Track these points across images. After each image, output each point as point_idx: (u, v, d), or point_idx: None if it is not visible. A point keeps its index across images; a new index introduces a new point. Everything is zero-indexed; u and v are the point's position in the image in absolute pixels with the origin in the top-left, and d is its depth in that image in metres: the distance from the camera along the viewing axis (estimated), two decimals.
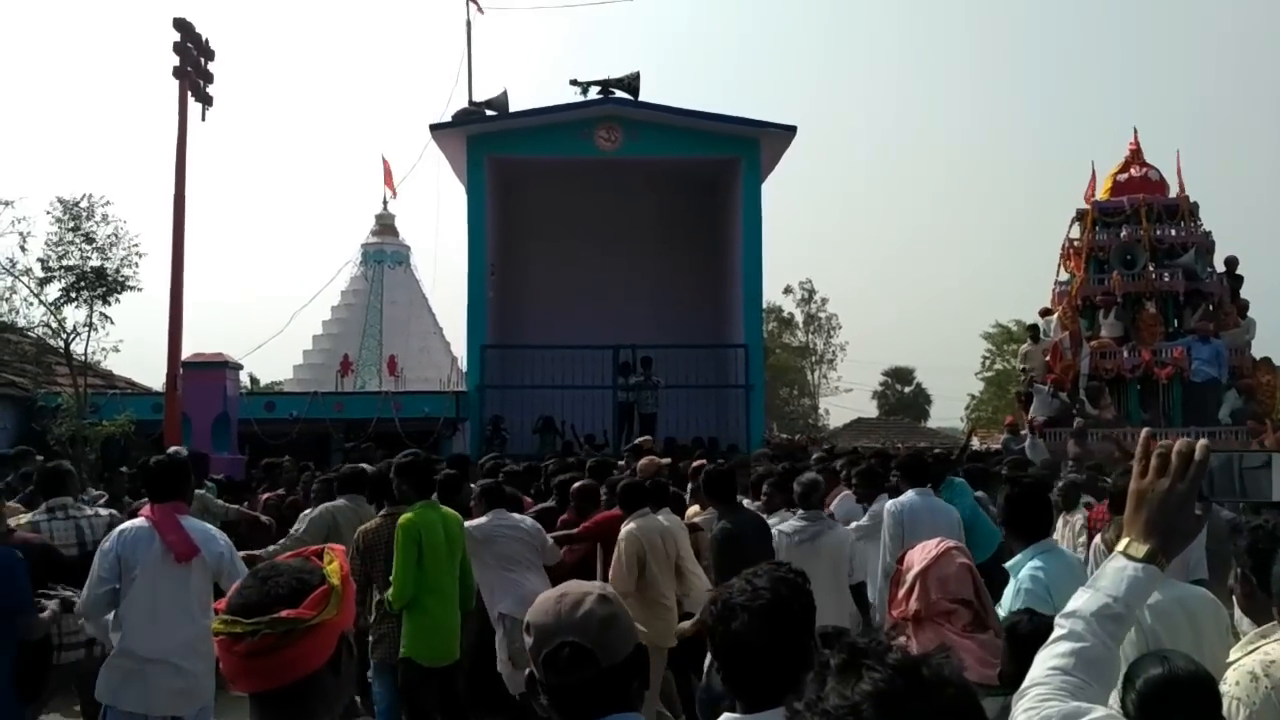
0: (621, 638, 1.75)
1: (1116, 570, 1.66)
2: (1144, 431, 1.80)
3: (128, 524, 4.68)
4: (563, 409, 15.83)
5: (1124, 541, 1.69)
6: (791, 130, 17.01)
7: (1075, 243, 16.94)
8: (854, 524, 6.98)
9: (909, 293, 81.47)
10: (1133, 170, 17.31)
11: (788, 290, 52.41)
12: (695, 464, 9.03)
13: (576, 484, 7.37)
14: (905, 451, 11.24)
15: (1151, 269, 16.13)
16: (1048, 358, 16.08)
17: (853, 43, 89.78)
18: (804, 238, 76.28)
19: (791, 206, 67.02)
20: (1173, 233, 16.47)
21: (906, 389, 57.90)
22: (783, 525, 6.18)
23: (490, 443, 15.39)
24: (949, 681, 1.12)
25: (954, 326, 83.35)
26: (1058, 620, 1.67)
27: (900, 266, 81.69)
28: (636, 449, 10.51)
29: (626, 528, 6.12)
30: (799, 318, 53.57)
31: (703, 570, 6.56)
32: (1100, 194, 17.19)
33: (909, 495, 6.69)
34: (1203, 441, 1.70)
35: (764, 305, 20.96)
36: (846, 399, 53.91)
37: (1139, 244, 16.12)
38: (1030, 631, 3.11)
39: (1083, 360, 15.64)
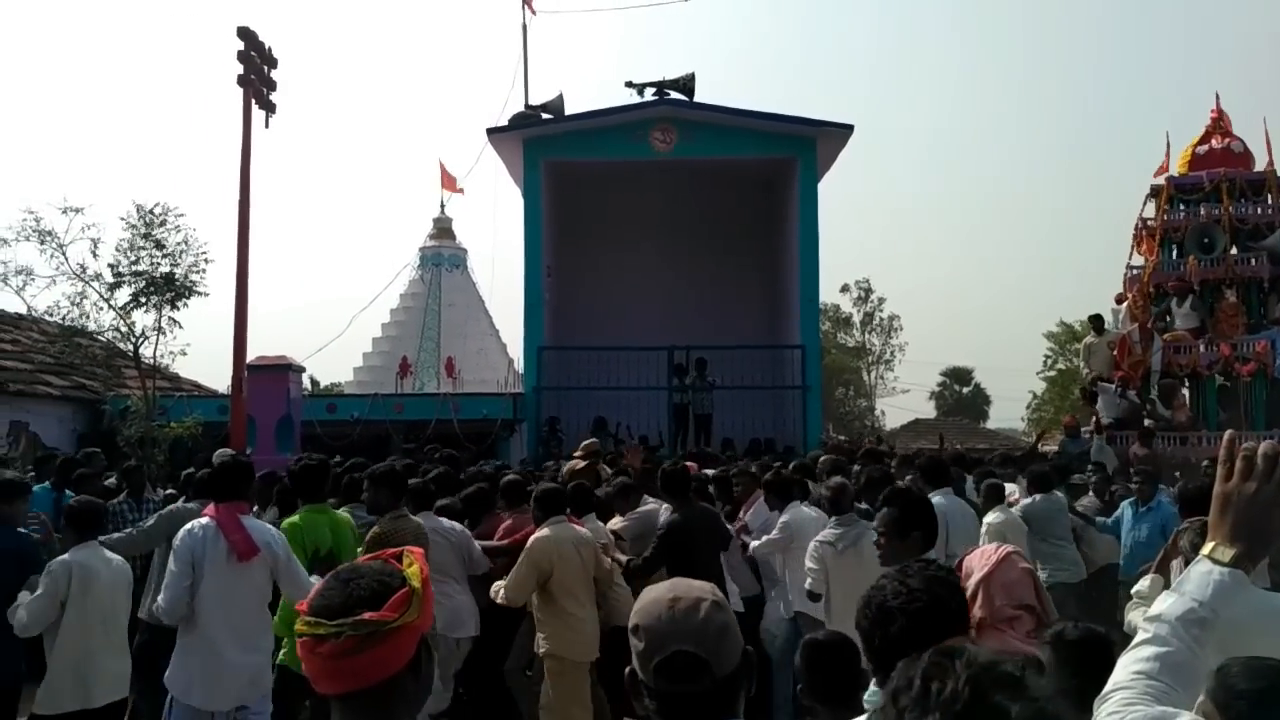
0: (734, 646, 1.70)
1: (1202, 574, 1.64)
2: (1227, 434, 1.77)
3: (195, 523, 4.80)
4: (619, 410, 15.85)
5: (1209, 545, 1.66)
6: (848, 129, 16.85)
7: (1149, 222, 15.33)
8: (765, 537, 6.71)
9: (968, 292, 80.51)
10: (1213, 142, 15.61)
11: (844, 289, 51.98)
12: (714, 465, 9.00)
13: (505, 478, 7.18)
14: (927, 456, 10.98)
15: (1234, 252, 14.62)
16: (1114, 352, 14.72)
17: (910, 38, 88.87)
18: (861, 237, 75.67)
19: (848, 205, 66.57)
20: (1257, 211, 14.81)
21: (965, 389, 57.25)
22: (822, 536, 6.08)
23: (547, 444, 15.49)
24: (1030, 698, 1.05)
25: (1014, 326, 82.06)
26: (1141, 624, 1.66)
27: (959, 265, 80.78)
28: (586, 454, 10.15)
29: (534, 535, 5.94)
30: (856, 317, 53.10)
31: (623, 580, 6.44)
32: (1177, 169, 15.57)
33: (931, 498, 6.65)
34: None
35: (820, 304, 20.78)
36: (903, 400, 53.51)
37: (1218, 224, 14.56)
38: (1077, 639, 3.06)
39: (1154, 355, 14.24)
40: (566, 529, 6.04)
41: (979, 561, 4.17)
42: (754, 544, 6.82)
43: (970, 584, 4.12)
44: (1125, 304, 15.23)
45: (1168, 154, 15.72)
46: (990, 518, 7.21)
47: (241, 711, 4.68)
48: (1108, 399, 14.30)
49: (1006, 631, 3.93)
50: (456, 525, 6.55)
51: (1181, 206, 15.15)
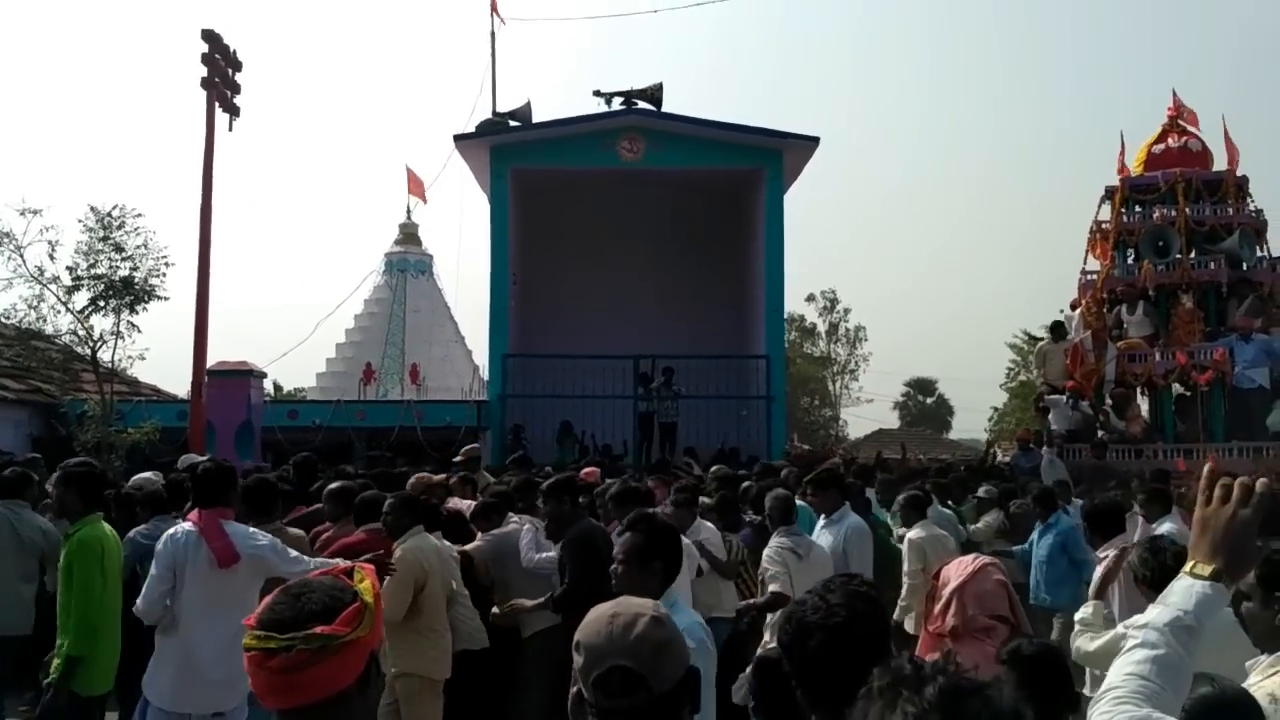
0: (674, 662, 1.71)
1: (1185, 588, 1.73)
2: (1206, 466, 1.92)
3: (178, 528, 4.76)
4: (584, 419, 15.85)
5: (1189, 564, 1.77)
6: (814, 141, 16.99)
7: (1104, 225, 14.62)
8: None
9: (932, 303, 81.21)
10: (1170, 140, 14.73)
11: (810, 298, 52.29)
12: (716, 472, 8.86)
13: (362, 495, 6.46)
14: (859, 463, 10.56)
15: (1193, 256, 13.76)
16: (1068, 361, 13.97)
17: (876, 53, 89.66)
18: (827, 248, 76.15)
19: (815, 217, 67.26)
20: (1215, 212, 13.96)
21: (929, 400, 57.76)
22: (781, 542, 5.94)
23: (511, 452, 15.43)
24: (999, 715, 1.09)
25: (978, 337, 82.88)
26: (1129, 632, 1.74)
27: (924, 277, 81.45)
28: (468, 459, 9.76)
29: (401, 549, 5.54)
30: (821, 327, 53.44)
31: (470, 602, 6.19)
32: (1134, 168, 14.78)
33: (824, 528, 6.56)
34: (1263, 479, 1.79)
35: (785, 315, 20.92)
36: (867, 410, 53.84)
37: (1173, 226, 13.68)
38: (1033, 654, 3.10)
39: (1108, 364, 13.55)
40: (428, 539, 5.75)
41: (956, 571, 4.24)
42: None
43: (945, 592, 4.18)
44: (1079, 310, 14.49)
45: (1123, 153, 15.05)
46: (912, 534, 6.96)
47: (218, 718, 4.64)
48: (1059, 410, 13.74)
49: (984, 641, 3.99)
50: (266, 537, 5.86)
51: (1137, 208, 14.45)
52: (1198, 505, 1.80)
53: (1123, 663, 1.67)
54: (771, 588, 5.78)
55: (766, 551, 6.02)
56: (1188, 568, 1.75)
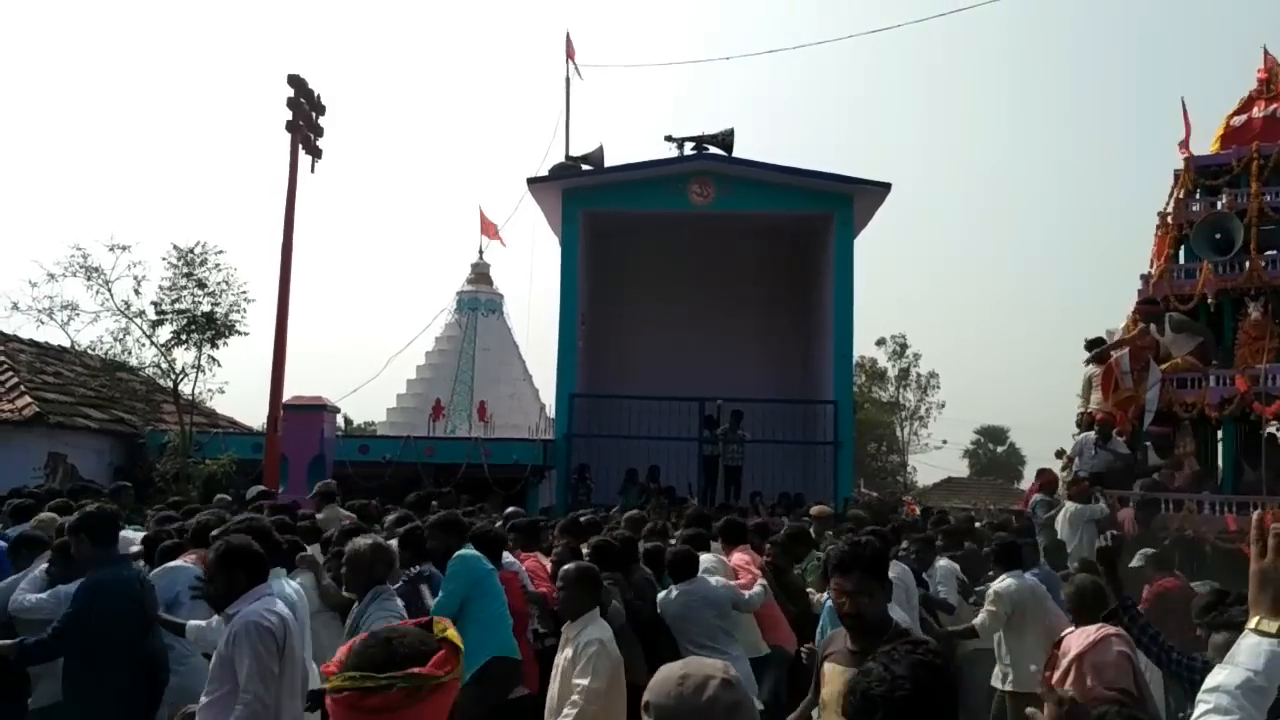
0: None
1: (1252, 646, 1.67)
2: (1255, 514, 1.83)
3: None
4: (649, 460, 15.85)
5: (1254, 620, 1.71)
6: (885, 187, 16.92)
7: (1169, 218, 11.84)
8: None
9: (1004, 351, 79.82)
10: (1255, 109, 11.55)
11: (880, 342, 51.72)
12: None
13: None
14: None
15: (1268, 253, 10.91)
16: (1100, 385, 11.36)
17: (948, 99, 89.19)
18: (899, 293, 75.42)
19: (888, 261, 66.96)
20: None
21: (999, 448, 56.62)
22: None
23: (575, 491, 15.49)
24: None
25: (1051, 386, 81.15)
26: (1200, 697, 1.69)
27: (995, 324, 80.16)
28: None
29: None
30: (891, 372, 52.76)
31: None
32: (1211, 147, 11.82)
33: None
34: None
35: (854, 359, 20.76)
36: (936, 457, 52.88)
37: (1241, 216, 10.87)
38: None
39: (1150, 390, 10.73)
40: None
41: (1077, 640, 4.18)
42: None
43: (1064, 661, 4.10)
44: (1124, 323, 11.81)
45: (1186, 124, 11.81)
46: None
47: None
48: (1083, 448, 11.00)
49: None
50: None
51: (1206, 194, 11.51)
52: (1253, 558, 1.73)
53: None
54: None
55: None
56: (1252, 624, 1.69)
